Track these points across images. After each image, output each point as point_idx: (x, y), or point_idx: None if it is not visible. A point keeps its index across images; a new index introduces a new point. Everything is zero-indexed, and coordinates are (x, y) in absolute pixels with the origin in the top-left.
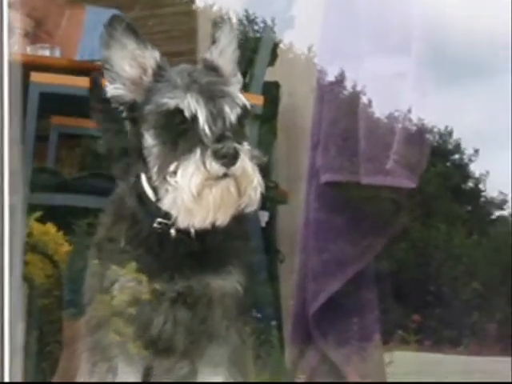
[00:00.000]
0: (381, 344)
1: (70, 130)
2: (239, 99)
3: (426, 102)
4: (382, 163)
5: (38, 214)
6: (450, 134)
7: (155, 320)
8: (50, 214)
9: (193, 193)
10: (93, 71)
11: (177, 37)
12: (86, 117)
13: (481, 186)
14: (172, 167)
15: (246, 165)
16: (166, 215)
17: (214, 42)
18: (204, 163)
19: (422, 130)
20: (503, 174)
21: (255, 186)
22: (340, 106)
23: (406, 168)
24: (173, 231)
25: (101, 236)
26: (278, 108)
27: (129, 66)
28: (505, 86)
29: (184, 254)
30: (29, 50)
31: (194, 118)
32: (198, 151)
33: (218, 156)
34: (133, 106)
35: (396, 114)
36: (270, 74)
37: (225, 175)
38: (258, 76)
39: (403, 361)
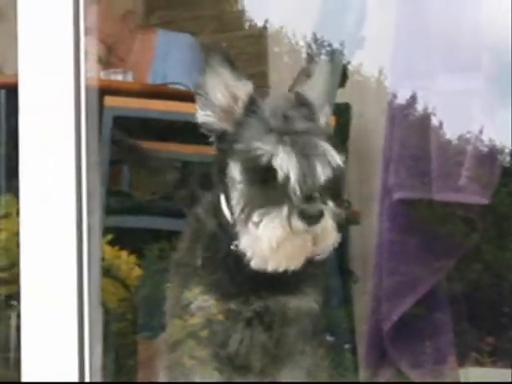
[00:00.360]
0: (456, 366)
1: None
2: (333, 159)
3: (496, 121)
4: (454, 180)
5: (109, 237)
6: None
7: (231, 339)
8: (121, 238)
9: (272, 246)
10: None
11: (247, 60)
12: (159, 140)
13: None
14: (256, 217)
15: (328, 224)
16: None
17: (308, 75)
18: (289, 222)
19: (493, 150)
20: None
21: (331, 241)
22: (411, 126)
23: (477, 184)
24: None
25: (177, 258)
26: (349, 129)
27: (221, 94)
28: None
29: (261, 276)
30: (102, 75)
31: (286, 175)
32: (286, 209)
33: (303, 216)
34: (222, 136)
35: (467, 135)
36: (341, 96)
37: (306, 231)
38: (330, 95)
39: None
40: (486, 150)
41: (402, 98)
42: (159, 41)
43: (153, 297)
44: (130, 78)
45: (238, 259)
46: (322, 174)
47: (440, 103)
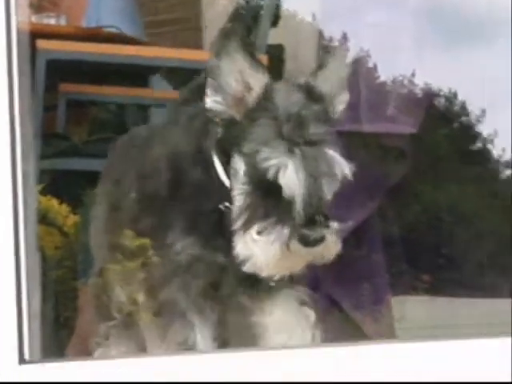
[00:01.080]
0: (391, 304)
1: (78, 97)
2: (340, 170)
3: (433, 64)
4: (383, 110)
5: (40, 186)
6: (455, 96)
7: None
8: (58, 185)
9: (268, 266)
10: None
11: (180, 3)
12: (93, 83)
13: (489, 147)
14: (255, 231)
15: (329, 244)
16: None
17: (320, 66)
18: (288, 245)
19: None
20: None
21: (331, 255)
22: None
23: (405, 115)
24: None
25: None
26: (282, 71)
27: (235, 81)
28: (507, 44)
29: None
30: (34, 19)
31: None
32: (287, 232)
33: (304, 241)
34: (231, 125)
35: (400, 77)
36: (275, 38)
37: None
38: (262, 36)
39: (414, 316)
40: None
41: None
42: None
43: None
44: (63, 21)
45: (224, 218)
46: (329, 192)
47: (369, 39)
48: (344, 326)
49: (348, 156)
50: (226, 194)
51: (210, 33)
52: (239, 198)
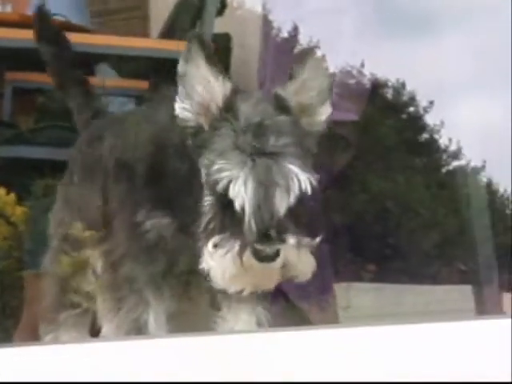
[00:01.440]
0: (335, 294)
1: (24, 85)
2: (296, 184)
3: (380, 54)
4: None
5: None
6: (403, 86)
7: (182, 257)
8: (6, 175)
9: (225, 280)
10: None
11: None
12: (39, 71)
13: (436, 137)
14: (211, 245)
15: (290, 257)
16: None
17: (290, 77)
18: (241, 259)
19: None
20: (458, 124)
21: (301, 270)
22: (283, 46)
23: (347, 102)
24: None
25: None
26: (229, 59)
27: (201, 88)
28: (455, 36)
29: None
30: None
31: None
32: (237, 246)
33: (257, 257)
34: (197, 133)
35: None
36: (223, 27)
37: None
38: (207, 25)
39: (359, 305)
40: (367, 82)
41: (275, 22)
42: None
43: (41, 234)
44: (8, 8)
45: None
46: (281, 205)
47: (312, 23)
48: (290, 316)
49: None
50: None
51: (157, 22)
52: (204, 209)
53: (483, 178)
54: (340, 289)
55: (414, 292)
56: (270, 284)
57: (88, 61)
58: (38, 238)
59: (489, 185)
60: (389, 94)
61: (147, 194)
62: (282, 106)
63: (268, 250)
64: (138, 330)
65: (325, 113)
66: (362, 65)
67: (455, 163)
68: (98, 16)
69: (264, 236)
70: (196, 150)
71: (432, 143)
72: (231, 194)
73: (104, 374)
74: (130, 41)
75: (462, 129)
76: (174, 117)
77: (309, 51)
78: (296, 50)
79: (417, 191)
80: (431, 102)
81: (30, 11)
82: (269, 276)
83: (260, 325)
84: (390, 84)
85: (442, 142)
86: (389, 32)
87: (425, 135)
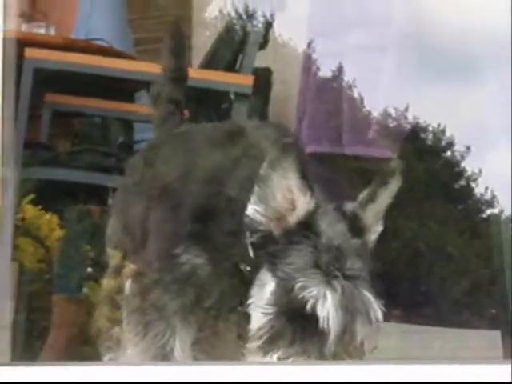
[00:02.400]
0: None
1: (63, 108)
2: (374, 314)
3: (422, 97)
4: (364, 134)
5: (30, 196)
6: (443, 131)
7: (213, 293)
8: (43, 198)
9: None
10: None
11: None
12: (78, 95)
13: (472, 185)
14: (279, 354)
15: None
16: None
17: (372, 199)
18: None
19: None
20: (494, 173)
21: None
22: (325, 82)
23: (386, 139)
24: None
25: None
26: (269, 94)
27: (282, 196)
28: (497, 83)
29: None
30: (24, 27)
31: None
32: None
33: None
34: (266, 238)
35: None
36: (264, 62)
37: None
38: (249, 58)
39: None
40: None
41: (316, 55)
42: None
43: (72, 259)
44: (52, 32)
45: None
46: (361, 332)
47: (352, 59)
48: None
49: (329, 179)
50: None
51: (199, 53)
52: (259, 317)
53: None
54: None
55: (443, 336)
56: None
57: (129, 88)
58: (69, 262)
59: None
60: (428, 139)
61: (190, 229)
62: (357, 227)
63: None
64: (163, 356)
65: (378, 231)
66: (406, 109)
67: (489, 211)
68: (142, 44)
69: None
70: (262, 253)
71: (468, 191)
72: (320, 313)
73: None
74: None
75: (498, 177)
76: (235, 165)
77: (394, 169)
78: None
79: (451, 239)
80: (468, 148)
81: (74, 36)
82: None
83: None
84: (430, 129)
85: (478, 190)
86: (431, 76)
87: (461, 182)
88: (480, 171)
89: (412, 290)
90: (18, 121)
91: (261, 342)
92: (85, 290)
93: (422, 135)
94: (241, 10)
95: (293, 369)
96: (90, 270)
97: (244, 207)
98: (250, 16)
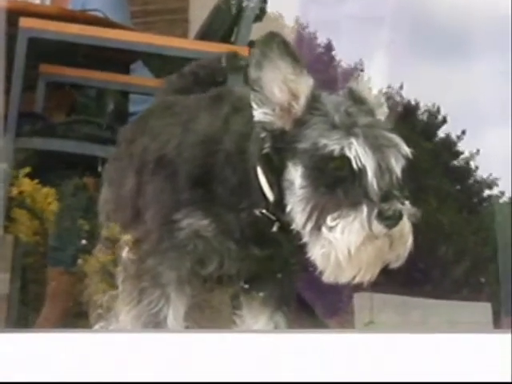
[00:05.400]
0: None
1: (57, 79)
2: (403, 149)
3: (414, 76)
4: None
5: (27, 169)
6: (438, 110)
7: (214, 259)
8: (38, 170)
9: (350, 252)
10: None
11: None
12: (73, 65)
13: (471, 164)
14: (331, 221)
15: (405, 226)
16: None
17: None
18: (370, 223)
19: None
20: (493, 153)
21: (407, 246)
22: (318, 56)
23: None
24: (275, 227)
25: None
26: None
27: (279, 89)
28: (492, 63)
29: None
30: None
31: (361, 169)
32: (365, 209)
33: (383, 217)
34: (281, 136)
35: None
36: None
37: (384, 234)
38: (245, 29)
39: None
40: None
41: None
42: None
43: (68, 232)
44: (47, 2)
45: (255, 222)
46: (397, 166)
47: (345, 30)
48: (309, 324)
49: None
50: (262, 201)
51: (196, 25)
52: (300, 204)
53: None
54: (363, 299)
55: (439, 308)
56: (378, 266)
57: (124, 59)
58: (63, 235)
59: None
60: (424, 116)
61: (190, 194)
62: (357, 98)
63: (392, 209)
64: (156, 324)
65: (384, 113)
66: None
67: (487, 192)
68: (139, 17)
69: (387, 195)
70: (280, 153)
71: (466, 170)
72: (350, 154)
73: (118, 366)
74: (167, 40)
75: (497, 158)
76: (227, 120)
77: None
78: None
79: (449, 216)
80: (463, 132)
81: (70, 7)
82: (381, 251)
83: (277, 328)
84: (424, 108)
85: (477, 170)
86: (425, 53)
87: (460, 162)
88: (478, 151)
89: (410, 266)
90: (13, 91)
91: (312, 222)
92: (79, 262)
93: (417, 113)
94: None
95: (287, 336)
96: (84, 242)
97: (245, 159)
98: None
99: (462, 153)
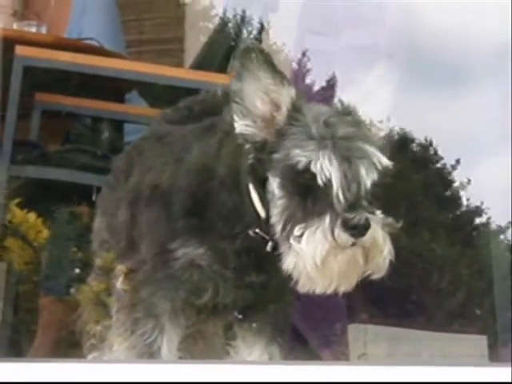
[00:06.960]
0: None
1: (53, 107)
2: (378, 160)
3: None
4: None
5: (17, 200)
6: (431, 142)
7: (209, 288)
8: (30, 201)
9: (316, 262)
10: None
11: (164, 24)
12: (69, 94)
13: (462, 194)
14: (297, 231)
15: (377, 235)
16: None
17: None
18: (332, 232)
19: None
20: (484, 182)
21: (385, 255)
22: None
23: None
24: (269, 247)
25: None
26: None
27: (261, 101)
28: (484, 92)
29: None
30: (15, 26)
31: (326, 181)
32: (328, 219)
33: (347, 227)
34: (262, 146)
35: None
36: None
37: (353, 244)
38: None
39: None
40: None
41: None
42: None
43: (60, 260)
44: (43, 30)
45: (249, 242)
46: (367, 177)
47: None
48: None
49: None
50: (256, 221)
51: (192, 55)
52: (278, 214)
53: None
54: (357, 331)
55: (433, 341)
56: (353, 277)
57: (119, 88)
58: (57, 264)
59: None
60: (416, 149)
61: (185, 223)
62: (344, 109)
63: (357, 218)
64: (150, 354)
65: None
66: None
67: (478, 220)
68: (134, 46)
69: (353, 205)
70: (263, 163)
71: (458, 200)
72: (314, 169)
73: None
74: (162, 69)
75: (489, 187)
76: (220, 147)
77: None
78: None
79: (442, 248)
80: (458, 161)
81: (67, 36)
82: (354, 261)
83: (272, 360)
84: (417, 141)
85: (468, 199)
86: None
87: (451, 191)
88: (469, 181)
89: (403, 299)
90: (8, 119)
91: (285, 232)
92: (72, 291)
93: (410, 145)
94: (234, 13)
95: (282, 368)
96: (77, 271)
97: (238, 181)
98: (243, 19)
99: (454, 182)
